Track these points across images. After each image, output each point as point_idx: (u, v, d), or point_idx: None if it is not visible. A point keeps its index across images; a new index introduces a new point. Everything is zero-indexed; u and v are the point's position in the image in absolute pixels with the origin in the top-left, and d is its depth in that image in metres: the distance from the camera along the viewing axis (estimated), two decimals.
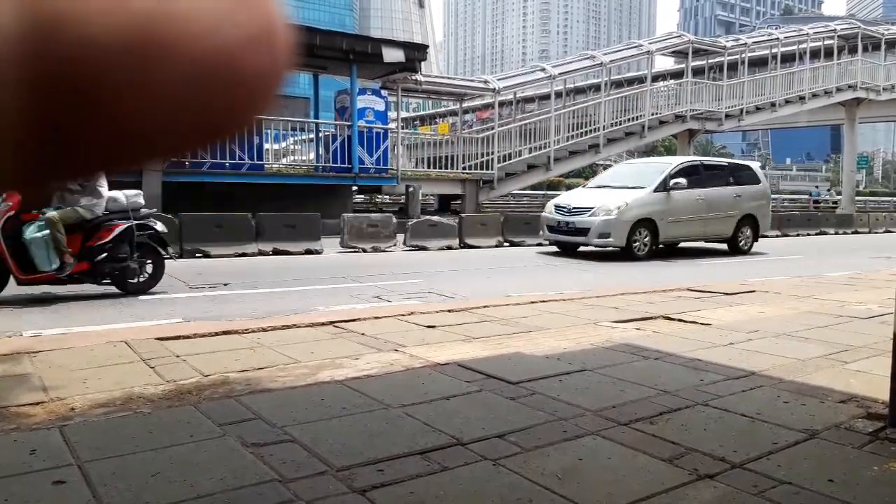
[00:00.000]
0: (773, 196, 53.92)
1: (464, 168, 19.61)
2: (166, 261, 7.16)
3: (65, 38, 0.26)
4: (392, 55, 16.82)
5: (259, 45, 0.29)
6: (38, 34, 0.26)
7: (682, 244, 13.10)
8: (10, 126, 0.27)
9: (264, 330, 4.74)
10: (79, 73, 0.26)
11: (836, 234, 22.28)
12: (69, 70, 0.26)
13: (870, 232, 23.44)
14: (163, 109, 0.28)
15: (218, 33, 0.28)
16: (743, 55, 25.47)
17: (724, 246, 13.26)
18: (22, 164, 0.28)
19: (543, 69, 21.67)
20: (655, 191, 11.86)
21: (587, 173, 57.77)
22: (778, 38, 27.04)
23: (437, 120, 37.10)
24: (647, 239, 11.66)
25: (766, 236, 19.58)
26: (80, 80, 0.26)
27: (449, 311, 5.68)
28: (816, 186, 57.18)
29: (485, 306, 5.91)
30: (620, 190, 11.97)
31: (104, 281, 6.71)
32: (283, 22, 0.30)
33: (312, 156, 19.08)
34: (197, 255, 10.70)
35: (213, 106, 0.29)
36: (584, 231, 11.48)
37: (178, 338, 4.44)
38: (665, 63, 36.57)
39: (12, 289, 6.25)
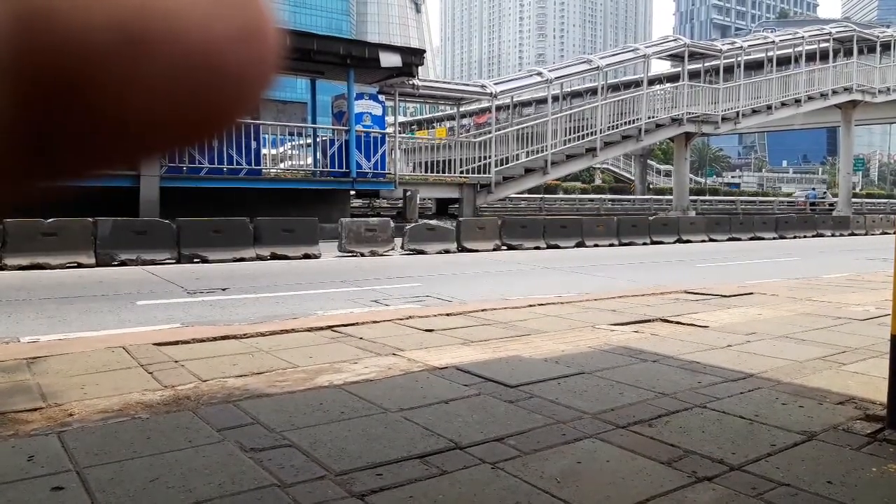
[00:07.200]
0: (769, 198, 53.57)
1: (461, 172, 19.63)
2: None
3: (53, 31, 0.26)
4: (389, 60, 16.84)
5: (247, 42, 0.29)
6: (26, 28, 0.26)
7: None
8: None
9: (262, 335, 4.74)
10: (66, 67, 0.26)
11: (833, 235, 22.34)
12: (57, 64, 0.26)
13: (866, 234, 23.51)
14: (150, 104, 0.28)
15: (206, 29, 0.28)
16: (739, 58, 25.55)
17: None
18: (9, 161, 0.28)
19: (540, 73, 21.71)
20: None
21: (584, 176, 57.91)
22: (773, 42, 27.14)
23: (434, 124, 37.14)
24: None
25: (763, 238, 19.67)
26: (67, 74, 0.26)
27: (447, 314, 5.68)
28: (813, 188, 57.23)
29: (483, 310, 5.91)
30: None
31: None
32: (272, 20, 0.31)
33: (310, 160, 19.09)
34: (195, 259, 10.69)
35: (201, 102, 0.29)
36: None
37: (176, 343, 4.44)
38: (661, 66, 36.68)
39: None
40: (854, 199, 35.16)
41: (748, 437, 2.77)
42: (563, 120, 21.47)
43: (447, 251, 13.29)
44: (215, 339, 4.58)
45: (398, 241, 13.05)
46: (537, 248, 14.61)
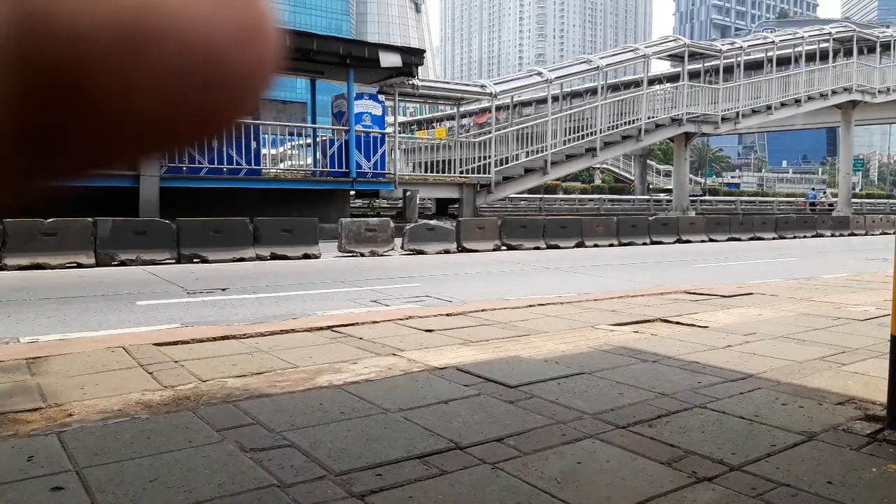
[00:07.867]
0: (769, 199, 53.64)
1: (461, 172, 19.63)
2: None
3: (53, 32, 0.26)
4: (389, 60, 16.84)
5: (247, 42, 0.30)
6: (27, 29, 0.26)
7: None
8: (1, 121, 0.27)
9: (262, 335, 4.74)
10: (68, 68, 0.26)
11: (833, 235, 22.34)
12: (57, 65, 0.26)
13: (866, 234, 23.52)
14: (150, 105, 0.28)
15: (206, 30, 0.28)
16: (738, 58, 25.56)
17: None
18: (10, 161, 0.28)
19: (540, 73, 21.71)
20: None
21: (584, 176, 57.91)
22: (773, 42, 27.15)
23: (434, 124, 37.14)
24: None
25: (763, 238, 19.68)
26: (68, 74, 0.26)
27: (447, 314, 5.68)
28: (813, 188, 57.24)
29: (483, 310, 5.91)
30: None
31: None
32: (272, 21, 0.31)
33: (310, 160, 19.10)
34: (195, 260, 10.69)
35: (201, 102, 0.29)
36: None
37: (176, 343, 4.43)
38: (661, 66, 36.70)
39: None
40: (854, 200, 35.18)
41: (748, 437, 2.77)
42: (563, 120, 21.47)
43: (447, 251, 13.29)
44: (215, 339, 4.58)
45: (398, 241, 13.05)
46: (537, 248, 14.62)
